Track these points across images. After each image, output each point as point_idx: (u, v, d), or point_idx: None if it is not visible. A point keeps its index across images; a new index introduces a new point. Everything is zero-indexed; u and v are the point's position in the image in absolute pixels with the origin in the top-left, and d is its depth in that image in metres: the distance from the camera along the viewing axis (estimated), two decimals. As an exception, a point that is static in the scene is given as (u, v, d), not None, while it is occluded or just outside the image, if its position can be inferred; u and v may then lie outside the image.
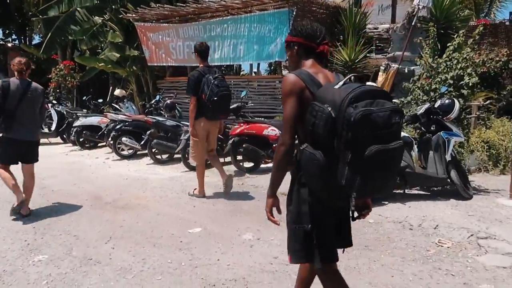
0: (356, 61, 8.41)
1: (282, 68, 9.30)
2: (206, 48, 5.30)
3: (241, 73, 14.78)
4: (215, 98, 5.00)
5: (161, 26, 10.86)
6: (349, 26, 8.87)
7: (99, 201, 5.55)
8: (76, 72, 14.70)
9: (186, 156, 6.90)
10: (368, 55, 8.72)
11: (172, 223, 4.64)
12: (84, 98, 13.16)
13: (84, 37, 12.33)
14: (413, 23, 8.15)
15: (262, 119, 9.23)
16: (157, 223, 4.65)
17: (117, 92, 10.76)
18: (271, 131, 6.97)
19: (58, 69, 14.50)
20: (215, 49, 9.86)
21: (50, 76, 14.55)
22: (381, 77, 8.67)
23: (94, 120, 10.01)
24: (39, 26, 12.05)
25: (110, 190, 6.07)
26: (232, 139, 6.94)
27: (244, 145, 6.84)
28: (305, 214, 1.99)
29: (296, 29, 2.13)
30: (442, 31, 8.78)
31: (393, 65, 8.33)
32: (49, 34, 11.00)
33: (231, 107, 7.93)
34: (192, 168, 6.84)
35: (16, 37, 23.54)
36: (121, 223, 4.69)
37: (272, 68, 21.52)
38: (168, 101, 9.19)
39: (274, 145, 6.90)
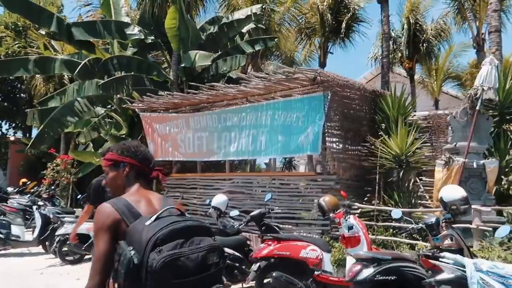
0: (408, 154, 6.72)
1: (314, 163, 7.60)
2: None
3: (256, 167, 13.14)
4: None
5: (169, 116, 9.54)
6: (394, 113, 7.37)
7: None
8: (74, 167, 13.24)
9: None
10: (418, 146, 7.05)
11: None
12: (79, 196, 11.49)
13: (84, 130, 11.07)
14: (477, 107, 6.60)
15: (291, 227, 7.33)
16: None
17: None
18: (311, 252, 5.02)
19: (54, 164, 13.09)
20: (231, 141, 8.33)
21: (44, 171, 13.08)
22: (439, 173, 6.89)
23: (82, 227, 8.16)
24: (34, 118, 10.84)
25: None
26: (258, 265, 4.98)
27: (274, 274, 4.84)
28: None
29: (129, 149, 1.95)
30: (508, 117, 7.24)
31: (456, 158, 6.60)
32: (41, 126, 9.69)
33: (252, 214, 6.22)
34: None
35: (22, 130, 22.87)
36: None
37: (287, 160, 20.01)
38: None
39: (316, 273, 4.91)
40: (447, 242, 4.53)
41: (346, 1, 16.89)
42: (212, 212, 6.77)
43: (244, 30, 12.19)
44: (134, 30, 10.78)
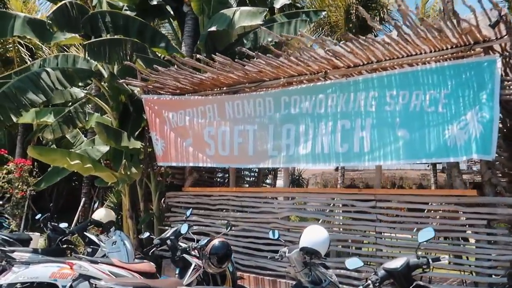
0: None
1: (458, 173, 4.54)
2: None
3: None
4: None
5: (190, 100, 6.31)
6: None
7: None
8: (34, 176, 9.62)
9: None
10: None
11: None
12: (38, 216, 7.77)
13: (53, 120, 7.63)
14: None
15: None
16: None
17: (100, 214, 5.68)
18: None
19: (5, 171, 9.44)
20: (298, 138, 5.25)
21: (-10, 181, 9.39)
22: None
23: (44, 272, 4.82)
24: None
25: None
26: None
27: None
28: None
29: None
30: None
31: None
32: None
33: (392, 265, 3.28)
34: None
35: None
36: None
37: (295, 176, 16.83)
38: (217, 242, 4.18)
39: None
40: None
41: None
42: (296, 257, 3.72)
43: (277, 5, 9.27)
44: (134, -15, 7.62)
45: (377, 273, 3.28)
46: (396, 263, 3.24)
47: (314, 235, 3.68)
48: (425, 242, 3.33)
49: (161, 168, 6.96)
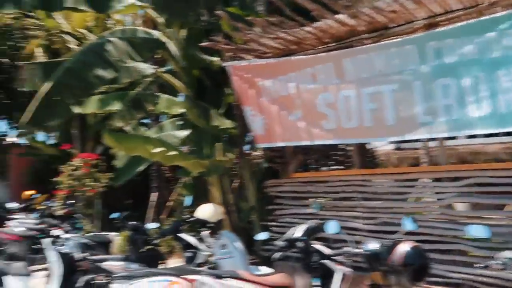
0: None
1: None
2: None
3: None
4: None
5: (291, 61, 4.99)
6: None
7: None
8: (101, 171, 8.78)
9: None
10: None
11: None
12: (117, 215, 6.78)
13: (122, 105, 6.61)
14: None
15: None
16: None
17: (207, 212, 4.47)
18: None
19: (72, 167, 8.66)
20: (462, 97, 3.84)
21: (57, 179, 8.67)
22: None
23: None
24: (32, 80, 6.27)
25: None
26: None
27: None
28: None
29: None
30: None
31: None
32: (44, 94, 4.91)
33: None
34: None
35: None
36: None
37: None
38: (408, 247, 2.83)
39: None
40: None
41: None
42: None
43: None
44: None
45: None
46: None
47: None
48: None
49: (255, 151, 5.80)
